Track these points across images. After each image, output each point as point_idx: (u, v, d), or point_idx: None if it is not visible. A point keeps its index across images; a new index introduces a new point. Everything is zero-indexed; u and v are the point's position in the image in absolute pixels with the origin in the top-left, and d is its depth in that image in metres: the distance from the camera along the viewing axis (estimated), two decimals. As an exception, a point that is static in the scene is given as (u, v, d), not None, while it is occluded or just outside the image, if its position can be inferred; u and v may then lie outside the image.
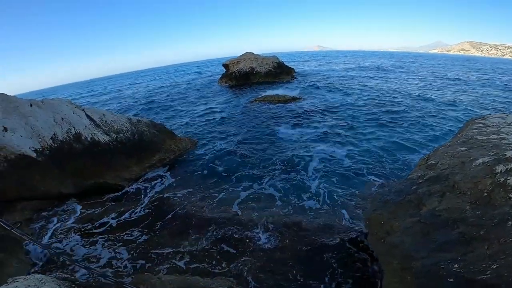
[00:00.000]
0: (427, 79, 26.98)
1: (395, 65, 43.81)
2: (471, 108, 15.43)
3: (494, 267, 1.76)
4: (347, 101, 17.56)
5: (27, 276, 2.33)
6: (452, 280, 1.91)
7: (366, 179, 7.78)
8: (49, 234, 6.26)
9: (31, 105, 7.50)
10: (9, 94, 7.36)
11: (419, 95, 18.78)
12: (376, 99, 17.65)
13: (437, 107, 15.52)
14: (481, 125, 5.66)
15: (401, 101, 17.08)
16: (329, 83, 24.61)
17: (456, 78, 28.24)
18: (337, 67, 41.16)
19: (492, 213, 2.24)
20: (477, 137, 4.86)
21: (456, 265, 2.00)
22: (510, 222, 1.97)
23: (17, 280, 2.23)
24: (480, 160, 3.51)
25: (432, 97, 18.22)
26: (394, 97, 18.29)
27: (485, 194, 2.58)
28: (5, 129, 6.62)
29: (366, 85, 23.20)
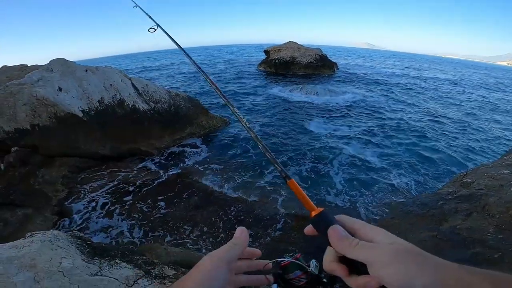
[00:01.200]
0: (484, 95, 24.17)
1: (454, 75, 39.73)
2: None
3: None
4: (389, 105, 16.51)
5: (45, 231, 2.41)
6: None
7: (391, 185, 7.44)
8: (84, 192, 6.80)
9: (86, 71, 8.25)
10: (69, 60, 8.22)
11: (473, 111, 17.03)
12: (423, 108, 16.33)
13: (491, 127, 14.02)
14: (534, 150, 5.06)
15: (452, 115, 15.53)
16: (372, 84, 23.27)
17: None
18: (386, 68, 38.33)
19: (514, 239, 2.08)
20: (526, 162, 4.38)
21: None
22: (528, 249, 1.83)
23: (35, 234, 2.30)
24: (522, 186, 3.19)
25: (487, 115, 16.44)
26: (445, 109, 16.73)
27: (514, 220, 2.38)
28: (60, 89, 7.38)
29: (416, 92, 21.37)
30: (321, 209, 0.51)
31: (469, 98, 21.21)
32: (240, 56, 48.53)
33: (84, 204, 6.40)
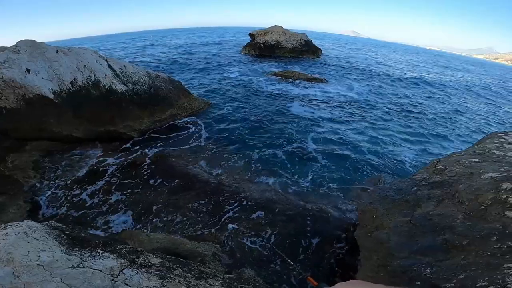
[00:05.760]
0: (464, 89, 25.03)
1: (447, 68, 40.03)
2: (499, 122, 14.60)
3: (461, 277, 1.75)
4: (373, 92, 16.76)
5: (19, 222, 2.34)
6: (418, 283, 1.94)
7: (369, 169, 7.69)
8: (56, 178, 6.45)
9: (57, 52, 7.66)
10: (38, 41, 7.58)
11: (455, 101, 17.76)
12: (408, 98, 16.62)
13: (468, 115, 14.77)
14: (502, 140, 5.36)
15: (435, 104, 16.01)
16: (356, 71, 23.35)
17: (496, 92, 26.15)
18: (373, 57, 38.23)
19: (481, 226, 2.20)
20: (494, 151, 4.63)
21: (428, 270, 2.01)
22: (494, 237, 1.94)
23: (9, 226, 2.24)
24: (490, 174, 3.38)
25: (468, 105, 17.23)
26: (429, 98, 17.23)
27: (482, 207, 2.52)
28: (28, 71, 6.85)
29: (401, 80, 21.70)
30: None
31: (451, 92, 21.91)
32: (222, 38, 46.95)
33: (58, 191, 6.04)
